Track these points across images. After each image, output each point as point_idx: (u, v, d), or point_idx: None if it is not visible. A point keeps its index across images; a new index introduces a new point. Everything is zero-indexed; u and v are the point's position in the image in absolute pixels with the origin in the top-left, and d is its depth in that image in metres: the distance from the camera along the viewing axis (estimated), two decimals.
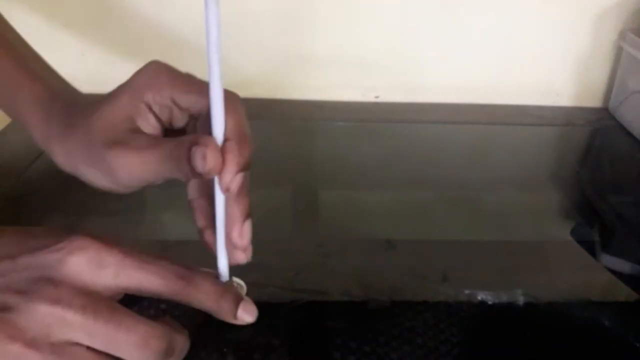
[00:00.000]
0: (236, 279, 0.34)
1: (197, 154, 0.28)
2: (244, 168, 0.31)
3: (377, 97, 0.69)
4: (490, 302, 0.38)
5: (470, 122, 0.65)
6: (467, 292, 0.38)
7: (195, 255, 0.34)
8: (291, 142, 0.60)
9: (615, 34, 0.66)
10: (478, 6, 0.64)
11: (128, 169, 0.31)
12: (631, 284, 0.41)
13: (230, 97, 0.31)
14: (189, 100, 0.32)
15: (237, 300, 0.31)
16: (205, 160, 0.28)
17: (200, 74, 0.33)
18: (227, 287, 0.31)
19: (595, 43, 0.67)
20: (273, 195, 0.49)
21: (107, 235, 0.27)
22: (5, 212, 0.44)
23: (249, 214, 0.32)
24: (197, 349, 0.31)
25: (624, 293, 0.40)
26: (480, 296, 0.38)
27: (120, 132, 0.32)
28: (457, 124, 0.64)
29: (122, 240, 0.28)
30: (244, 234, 0.32)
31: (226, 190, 0.30)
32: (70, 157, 0.34)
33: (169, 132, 0.34)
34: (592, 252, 0.44)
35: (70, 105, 0.36)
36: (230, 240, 0.32)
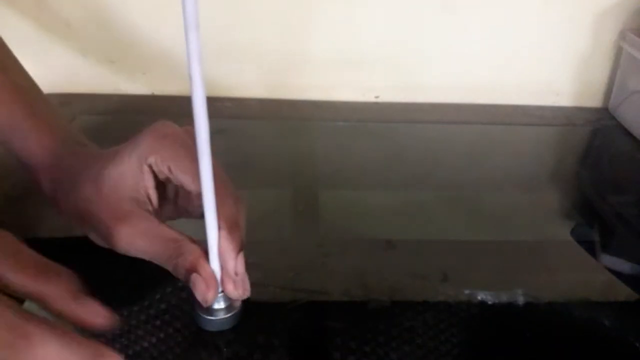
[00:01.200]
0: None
1: (197, 287, 0.31)
2: (241, 249, 0.32)
3: (377, 97, 0.69)
4: (490, 302, 0.38)
5: (470, 122, 0.65)
6: (467, 292, 0.38)
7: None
8: (291, 142, 0.60)
9: (615, 34, 0.66)
10: (478, 6, 0.64)
11: (129, 247, 0.32)
12: (631, 284, 0.41)
13: (221, 184, 0.32)
14: (184, 180, 0.33)
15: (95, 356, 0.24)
16: (206, 298, 0.31)
17: None
18: (82, 345, 0.24)
19: (595, 43, 0.67)
20: (273, 195, 0.49)
21: None
22: (6, 212, 0.44)
23: (242, 247, 0.33)
24: (197, 349, 0.31)
25: (624, 293, 0.40)
26: (480, 296, 0.38)
27: (126, 205, 0.33)
28: (457, 124, 0.64)
29: None
30: (238, 266, 0.32)
31: (236, 275, 0.32)
32: (75, 217, 0.34)
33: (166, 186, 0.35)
34: (592, 252, 0.44)
35: (77, 159, 0.36)
36: (226, 274, 0.32)
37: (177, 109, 0.63)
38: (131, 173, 0.33)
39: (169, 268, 0.32)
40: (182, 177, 0.33)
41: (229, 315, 0.33)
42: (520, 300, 0.38)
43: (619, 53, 0.67)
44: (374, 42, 0.66)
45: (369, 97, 0.69)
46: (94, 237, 0.35)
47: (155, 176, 0.34)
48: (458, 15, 0.65)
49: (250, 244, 0.41)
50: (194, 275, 0.31)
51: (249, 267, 0.39)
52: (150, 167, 0.33)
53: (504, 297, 0.38)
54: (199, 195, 0.31)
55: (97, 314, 0.27)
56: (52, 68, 0.64)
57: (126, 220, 0.32)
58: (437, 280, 0.39)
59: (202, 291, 0.31)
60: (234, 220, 0.32)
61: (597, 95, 0.70)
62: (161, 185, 0.35)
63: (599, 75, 0.69)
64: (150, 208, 0.34)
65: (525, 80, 0.69)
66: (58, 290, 0.27)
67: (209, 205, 0.30)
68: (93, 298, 0.27)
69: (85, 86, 0.65)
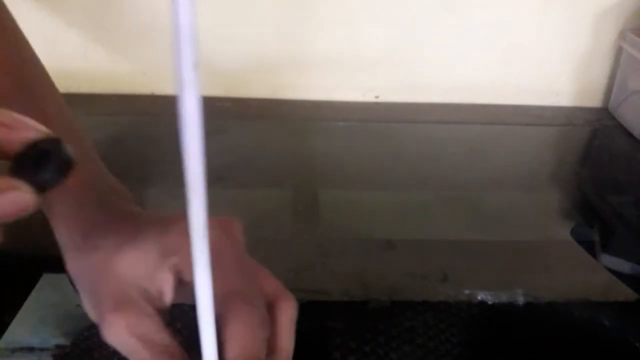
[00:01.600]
0: None
1: None
2: None
3: (377, 97, 0.69)
4: (490, 302, 0.38)
5: (470, 122, 0.65)
6: (467, 292, 0.38)
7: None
8: (291, 142, 0.60)
9: (615, 34, 0.66)
10: (478, 6, 0.64)
11: (115, 341, 0.28)
12: (631, 284, 0.41)
13: (281, 306, 0.28)
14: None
15: None
16: None
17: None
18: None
19: (595, 43, 0.67)
20: (273, 195, 0.49)
21: None
22: None
23: None
24: (197, 349, 0.31)
25: (624, 293, 0.40)
26: (480, 296, 0.38)
27: (132, 294, 0.28)
28: (457, 124, 0.64)
29: None
30: None
31: None
32: (76, 275, 0.31)
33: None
34: (592, 252, 0.44)
35: (100, 206, 0.32)
36: None
37: (177, 109, 0.63)
38: (146, 264, 0.29)
39: None
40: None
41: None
42: (520, 300, 0.38)
43: (619, 53, 0.67)
44: (374, 42, 0.66)
45: (369, 97, 0.69)
46: (88, 311, 0.31)
47: (175, 277, 0.29)
48: (458, 15, 0.65)
49: (250, 244, 0.41)
50: None
51: None
52: (174, 266, 0.29)
53: (504, 297, 0.38)
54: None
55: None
56: (52, 68, 0.64)
57: (127, 310, 0.28)
58: (437, 280, 0.39)
59: None
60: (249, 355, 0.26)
61: (597, 95, 0.70)
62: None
63: (599, 75, 0.69)
64: (159, 305, 0.29)
65: (525, 80, 0.69)
66: None
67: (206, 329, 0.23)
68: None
69: (85, 86, 0.65)
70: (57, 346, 0.34)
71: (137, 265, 0.29)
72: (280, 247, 0.42)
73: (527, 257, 0.43)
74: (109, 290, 0.29)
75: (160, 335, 0.28)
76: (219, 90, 0.65)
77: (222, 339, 0.26)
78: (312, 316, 0.35)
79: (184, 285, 0.30)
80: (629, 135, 0.63)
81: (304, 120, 0.63)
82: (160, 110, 0.64)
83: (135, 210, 0.33)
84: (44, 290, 0.32)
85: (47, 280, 0.36)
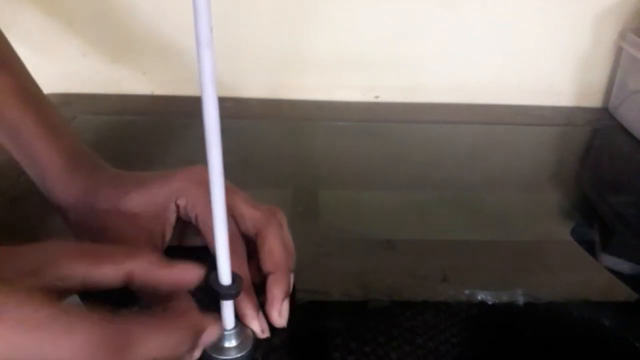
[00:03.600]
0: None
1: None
2: (287, 295, 0.33)
3: (377, 97, 0.69)
4: (490, 302, 0.38)
5: (470, 122, 0.65)
6: (467, 292, 0.38)
7: (195, 256, 0.34)
8: (291, 142, 0.60)
9: (615, 34, 0.66)
10: (478, 6, 0.64)
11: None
12: (631, 284, 0.41)
13: (264, 224, 0.33)
14: (209, 237, 0.32)
15: (197, 332, 0.26)
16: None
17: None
18: (180, 328, 0.25)
19: (595, 43, 0.67)
20: (273, 195, 0.49)
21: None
22: (6, 212, 0.44)
23: (288, 293, 0.33)
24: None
25: (624, 293, 0.40)
26: (480, 296, 0.38)
27: (140, 238, 0.32)
28: (457, 124, 0.64)
29: None
30: (282, 313, 0.33)
31: (279, 323, 0.32)
32: (79, 229, 0.34)
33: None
34: (592, 252, 0.44)
35: (94, 170, 0.35)
36: (269, 318, 0.32)
37: (177, 108, 0.63)
38: (156, 206, 0.33)
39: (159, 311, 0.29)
40: (207, 233, 0.33)
41: (241, 354, 0.31)
42: (520, 300, 0.38)
43: (619, 53, 0.67)
44: (374, 42, 0.66)
45: (369, 97, 0.69)
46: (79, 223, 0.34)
47: (178, 216, 0.33)
48: (458, 15, 0.65)
49: (250, 244, 0.41)
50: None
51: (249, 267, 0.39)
52: (177, 207, 0.33)
53: (504, 297, 0.38)
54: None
55: (188, 270, 0.27)
56: (52, 68, 0.64)
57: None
58: (437, 280, 0.39)
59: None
60: (284, 264, 0.33)
61: (597, 95, 0.70)
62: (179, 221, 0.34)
63: (599, 75, 0.69)
64: (159, 244, 0.33)
65: (525, 80, 0.69)
66: (145, 263, 0.26)
67: (221, 248, 0.28)
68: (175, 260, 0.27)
69: (85, 86, 0.65)
70: None
71: (144, 208, 0.32)
72: None
73: (527, 257, 0.43)
74: (115, 235, 0.31)
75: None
76: (219, 90, 0.65)
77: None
78: (312, 316, 0.36)
79: (185, 228, 0.34)
80: (629, 135, 0.63)
81: (304, 120, 0.63)
82: (161, 110, 0.64)
83: (128, 172, 0.36)
84: None
85: None
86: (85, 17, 0.64)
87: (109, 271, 0.25)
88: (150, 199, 0.33)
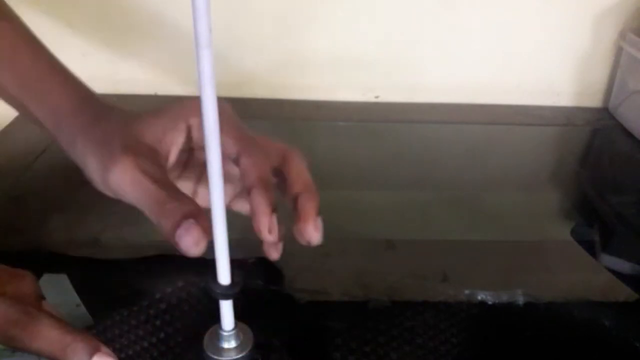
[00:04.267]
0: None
1: (191, 233, 0.28)
2: (274, 209, 0.32)
3: (377, 97, 0.69)
4: (490, 302, 0.38)
5: (470, 122, 0.65)
6: (467, 292, 0.38)
7: (193, 261, 0.34)
8: (291, 142, 0.60)
9: (615, 34, 0.66)
10: (478, 6, 0.64)
11: (122, 180, 0.30)
12: (631, 284, 0.41)
13: (290, 152, 0.35)
14: (225, 145, 0.32)
15: (90, 351, 0.26)
16: (190, 250, 0.28)
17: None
18: (78, 337, 0.26)
19: (595, 43, 0.67)
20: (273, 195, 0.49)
21: None
22: (6, 212, 0.44)
23: (275, 207, 0.32)
24: (197, 349, 0.31)
25: (624, 293, 0.40)
26: (480, 296, 0.38)
27: (142, 146, 0.31)
28: (457, 124, 0.64)
29: None
30: (272, 227, 0.32)
31: (270, 233, 0.32)
32: (87, 146, 0.33)
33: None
34: (592, 252, 0.44)
35: (107, 106, 0.36)
36: (305, 234, 0.32)
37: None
38: (165, 125, 0.32)
39: (156, 212, 0.29)
40: (224, 141, 0.32)
41: (241, 355, 0.30)
42: (520, 300, 0.38)
43: (619, 53, 0.67)
44: (374, 42, 0.66)
45: (369, 97, 0.69)
46: (92, 171, 0.33)
47: (187, 141, 0.33)
48: (458, 15, 0.65)
49: (250, 244, 0.41)
50: (190, 220, 0.28)
51: (250, 266, 0.39)
52: (188, 127, 0.33)
53: (504, 297, 0.38)
54: (239, 159, 0.32)
55: None
56: None
57: (135, 154, 0.30)
58: (437, 280, 0.39)
59: (195, 237, 0.27)
60: (266, 177, 0.32)
61: (597, 95, 0.70)
62: (184, 155, 0.34)
63: (599, 75, 0.69)
64: (162, 163, 0.32)
65: (525, 80, 0.69)
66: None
67: (214, 167, 0.26)
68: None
69: None
70: None
71: (153, 127, 0.32)
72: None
73: (527, 257, 0.43)
74: (121, 142, 0.31)
75: (166, 176, 0.31)
76: (219, 90, 0.65)
77: (241, 169, 0.32)
78: (312, 316, 0.36)
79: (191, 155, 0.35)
80: (629, 135, 0.63)
81: (304, 120, 0.63)
82: None
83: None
84: (44, 290, 0.32)
85: (47, 280, 0.36)
86: (85, 17, 0.64)
87: None
88: (159, 121, 0.33)
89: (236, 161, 0.33)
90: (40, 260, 0.39)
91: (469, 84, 0.68)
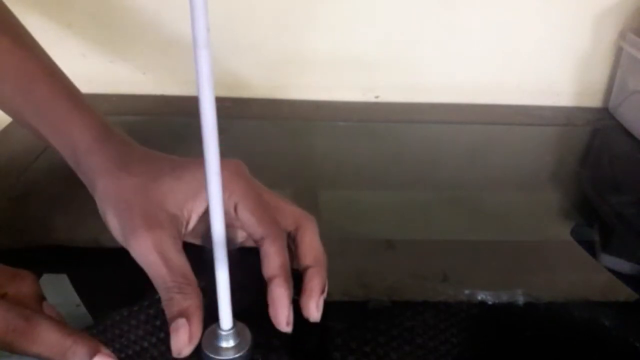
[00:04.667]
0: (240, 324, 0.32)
1: (179, 334, 0.30)
2: (324, 290, 0.33)
3: (377, 97, 0.69)
4: (490, 302, 0.38)
5: (470, 122, 0.65)
6: (467, 292, 0.38)
7: (195, 256, 0.34)
8: (291, 142, 0.60)
9: (615, 34, 0.66)
10: (478, 6, 0.64)
11: (140, 255, 0.32)
12: (631, 284, 0.41)
13: (305, 220, 0.35)
14: (249, 221, 0.33)
15: (91, 353, 0.26)
16: (180, 350, 0.30)
17: None
18: (78, 339, 0.27)
19: (595, 43, 0.67)
20: None
21: None
22: (5, 212, 0.44)
23: (325, 289, 0.33)
24: (196, 349, 0.31)
25: (624, 293, 0.40)
26: (480, 296, 0.38)
27: (162, 216, 0.32)
28: (457, 124, 0.64)
29: None
30: (320, 306, 0.33)
31: (315, 315, 0.32)
32: (107, 196, 0.34)
33: None
34: (592, 252, 0.44)
35: (125, 144, 0.36)
36: (306, 310, 0.33)
37: (177, 109, 0.63)
38: (186, 192, 0.33)
39: (162, 296, 0.31)
40: (247, 218, 0.33)
41: (239, 354, 0.31)
42: (520, 300, 0.38)
43: (619, 53, 0.67)
44: (374, 42, 0.66)
45: (369, 97, 0.69)
46: (113, 229, 0.34)
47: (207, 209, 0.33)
48: (458, 15, 0.65)
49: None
50: (181, 320, 0.30)
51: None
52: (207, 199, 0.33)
53: (504, 297, 0.38)
54: (261, 241, 0.32)
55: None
56: None
57: (154, 229, 0.31)
58: (437, 280, 0.39)
59: (181, 341, 0.29)
60: (287, 265, 0.32)
61: (597, 95, 0.70)
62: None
63: (599, 75, 0.69)
64: (181, 230, 0.33)
65: (525, 80, 0.69)
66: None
67: (218, 238, 0.27)
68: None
69: (85, 86, 0.65)
70: None
71: (174, 193, 0.33)
72: None
73: (527, 257, 0.43)
74: (142, 210, 0.32)
75: (179, 256, 0.31)
76: (219, 90, 0.65)
77: (262, 253, 0.33)
78: None
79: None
80: (629, 135, 0.63)
81: (304, 120, 0.63)
82: (161, 111, 0.64)
83: (160, 153, 0.37)
84: (44, 290, 0.32)
85: (47, 280, 0.36)
86: (85, 18, 0.64)
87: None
88: (181, 185, 0.33)
89: (258, 241, 0.33)
90: (40, 260, 0.39)
91: (469, 84, 0.68)
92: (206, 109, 0.24)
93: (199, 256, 0.32)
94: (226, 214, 0.31)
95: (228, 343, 0.31)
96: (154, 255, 0.31)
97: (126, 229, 0.32)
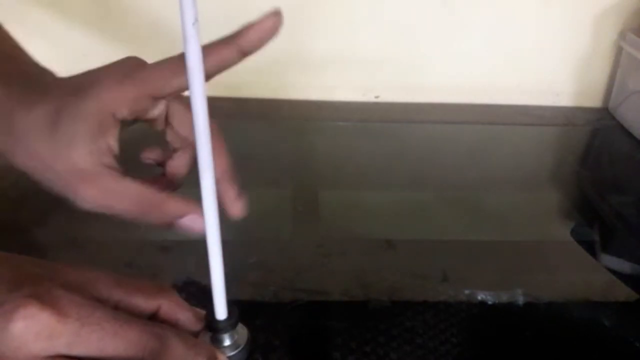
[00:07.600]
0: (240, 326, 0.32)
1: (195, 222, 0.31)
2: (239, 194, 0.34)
3: (377, 97, 0.69)
4: (490, 302, 0.38)
5: (470, 122, 0.65)
6: (467, 292, 0.38)
7: (196, 256, 0.34)
8: (291, 142, 0.60)
9: (615, 34, 0.66)
10: (478, 6, 0.64)
11: (94, 206, 0.31)
12: (631, 284, 0.41)
13: (217, 135, 0.34)
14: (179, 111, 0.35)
15: (211, 358, 0.28)
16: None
17: None
18: (199, 349, 0.28)
19: (595, 43, 0.67)
20: (273, 195, 0.49)
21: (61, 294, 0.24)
22: (5, 212, 0.44)
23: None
24: None
25: (624, 293, 0.40)
26: (480, 296, 0.38)
27: (88, 163, 0.30)
28: (457, 124, 0.64)
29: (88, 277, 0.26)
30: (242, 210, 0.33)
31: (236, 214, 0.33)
32: (28, 167, 0.31)
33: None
34: (592, 252, 0.44)
35: (39, 74, 0.34)
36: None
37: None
38: (89, 124, 0.30)
39: (142, 221, 0.31)
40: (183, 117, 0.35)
41: (234, 353, 0.31)
42: (520, 300, 0.38)
43: (619, 53, 0.67)
44: (374, 42, 0.66)
45: (369, 97, 0.69)
46: (50, 188, 0.32)
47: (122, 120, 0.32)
48: (458, 15, 0.65)
49: (250, 244, 0.41)
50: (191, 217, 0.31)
51: (250, 267, 0.39)
52: (113, 116, 0.31)
53: (504, 297, 0.38)
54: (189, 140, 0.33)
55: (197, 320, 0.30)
56: (53, 68, 0.64)
57: (90, 181, 0.30)
58: (437, 280, 0.39)
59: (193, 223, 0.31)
60: (231, 172, 0.34)
61: (597, 95, 0.70)
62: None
63: (599, 75, 0.69)
64: (109, 160, 0.31)
65: (525, 80, 0.69)
66: (172, 302, 0.29)
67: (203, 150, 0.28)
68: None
69: None
70: None
71: (79, 131, 0.30)
72: (280, 247, 0.42)
73: (527, 257, 0.43)
74: (64, 165, 0.30)
75: (131, 186, 0.31)
76: (219, 90, 0.65)
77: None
78: (312, 316, 0.36)
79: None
80: (629, 135, 0.63)
81: (304, 120, 0.63)
82: None
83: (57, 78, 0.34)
84: None
85: None
86: (86, 18, 0.64)
87: (141, 302, 0.28)
88: (80, 116, 0.30)
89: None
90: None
91: (469, 84, 0.68)
92: (199, 107, 0.26)
93: (197, 261, 0.32)
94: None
95: (224, 342, 0.31)
96: (107, 201, 0.31)
97: (65, 191, 0.31)
